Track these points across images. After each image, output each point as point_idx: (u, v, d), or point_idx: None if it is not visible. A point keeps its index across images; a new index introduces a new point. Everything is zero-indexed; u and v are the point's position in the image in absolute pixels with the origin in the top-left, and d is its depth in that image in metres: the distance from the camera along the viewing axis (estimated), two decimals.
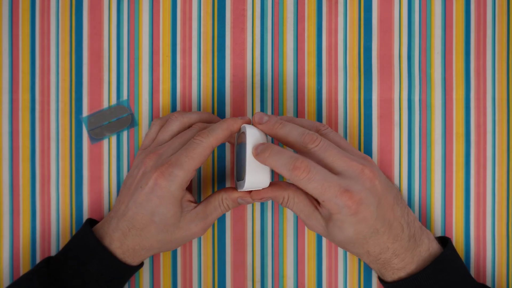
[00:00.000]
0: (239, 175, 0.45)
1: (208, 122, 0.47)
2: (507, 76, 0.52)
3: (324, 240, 0.51)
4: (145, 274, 0.51)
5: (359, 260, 0.51)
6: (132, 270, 0.46)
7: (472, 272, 0.51)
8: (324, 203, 0.41)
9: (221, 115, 0.52)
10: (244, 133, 0.44)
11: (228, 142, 0.48)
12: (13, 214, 0.51)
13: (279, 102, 0.52)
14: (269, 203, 0.52)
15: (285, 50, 0.52)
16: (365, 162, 0.43)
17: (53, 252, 0.51)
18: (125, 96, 0.51)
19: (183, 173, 0.42)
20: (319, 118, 0.51)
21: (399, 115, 0.52)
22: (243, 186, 0.43)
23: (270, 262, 0.51)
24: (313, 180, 0.40)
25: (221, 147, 0.52)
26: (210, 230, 0.51)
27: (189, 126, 0.47)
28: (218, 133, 0.43)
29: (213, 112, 0.51)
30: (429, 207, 0.51)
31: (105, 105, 0.51)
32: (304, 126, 0.45)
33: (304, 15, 0.52)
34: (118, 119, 0.51)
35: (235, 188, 0.46)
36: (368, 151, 0.52)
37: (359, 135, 0.52)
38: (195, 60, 0.51)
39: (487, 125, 0.51)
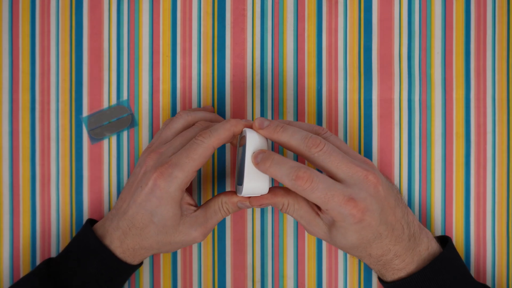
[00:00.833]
0: (239, 179, 0.45)
1: (212, 122, 0.47)
2: (507, 76, 0.52)
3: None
4: (145, 274, 0.51)
5: (359, 260, 0.51)
6: (132, 269, 0.46)
7: (472, 272, 0.51)
8: (328, 211, 0.41)
9: (221, 115, 0.52)
10: (245, 137, 0.43)
11: (230, 143, 0.48)
12: (13, 214, 0.51)
13: (279, 102, 0.52)
14: None
15: (285, 50, 0.52)
16: (368, 167, 0.42)
17: (53, 253, 0.51)
18: (125, 96, 0.51)
19: (183, 174, 0.41)
20: (319, 118, 0.51)
21: (399, 115, 0.52)
22: (241, 191, 0.43)
23: (270, 262, 0.51)
24: (316, 189, 0.40)
25: (222, 149, 0.52)
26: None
27: (193, 124, 0.46)
28: (220, 134, 0.42)
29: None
30: (429, 207, 0.51)
31: (105, 105, 0.51)
32: (303, 129, 0.44)
33: (304, 15, 0.52)
34: (118, 119, 0.51)
35: (235, 192, 0.45)
36: (368, 151, 0.52)
37: (359, 135, 0.52)
38: (195, 60, 0.51)
39: (487, 125, 0.52)
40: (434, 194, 0.51)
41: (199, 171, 0.51)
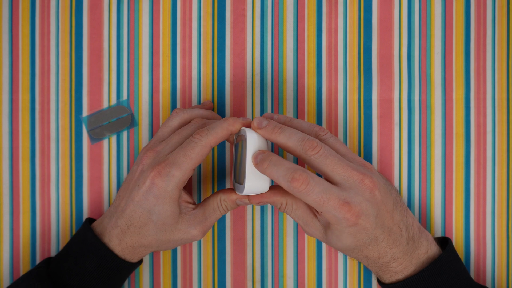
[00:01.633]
0: (238, 177, 0.45)
1: (208, 119, 0.47)
2: (507, 76, 0.52)
3: None
4: (145, 273, 0.51)
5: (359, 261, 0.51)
6: (131, 267, 0.46)
7: (472, 272, 0.51)
8: (323, 214, 0.41)
9: (221, 115, 0.52)
10: (243, 135, 0.43)
11: (227, 141, 0.48)
12: (13, 214, 0.51)
13: (279, 102, 0.52)
14: None
15: (285, 50, 0.52)
16: (365, 170, 0.42)
17: (53, 252, 0.51)
18: (125, 96, 0.51)
19: (180, 172, 0.41)
20: (319, 118, 0.51)
21: (399, 115, 0.51)
22: (242, 191, 0.43)
23: (270, 262, 0.51)
24: (311, 192, 0.40)
25: (221, 146, 0.52)
26: (210, 230, 0.51)
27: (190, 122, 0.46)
28: (218, 132, 0.42)
29: None
30: (429, 207, 0.51)
31: (105, 105, 0.51)
32: (303, 130, 0.44)
33: (304, 15, 0.52)
34: (118, 119, 0.51)
35: (233, 190, 0.45)
36: (368, 151, 0.52)
37: (359, 135, 0.52)
38: (195, 60, 0.51)
39: (487, 125, 0.51)
40: (434, 194, 0.51)
41: (198, 170, 0.51)
